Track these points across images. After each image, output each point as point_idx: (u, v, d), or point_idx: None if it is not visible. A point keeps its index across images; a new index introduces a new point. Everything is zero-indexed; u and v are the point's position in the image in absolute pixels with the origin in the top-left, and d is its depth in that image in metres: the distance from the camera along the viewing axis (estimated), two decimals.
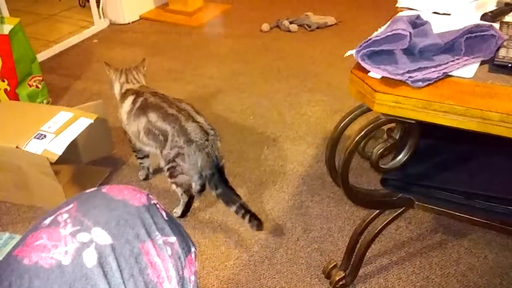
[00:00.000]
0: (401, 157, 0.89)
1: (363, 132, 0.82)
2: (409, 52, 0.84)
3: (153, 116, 1.23)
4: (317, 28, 2.48)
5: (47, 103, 1.77)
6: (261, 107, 1.82)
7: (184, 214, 1.32)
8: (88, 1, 2.55)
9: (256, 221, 1.17)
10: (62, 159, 1.23)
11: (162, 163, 1.26)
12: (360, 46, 0.86)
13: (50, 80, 1.93)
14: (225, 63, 2.18)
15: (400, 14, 1.03)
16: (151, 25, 2.62)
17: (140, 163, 1.45)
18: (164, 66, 2.15)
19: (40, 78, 1.71)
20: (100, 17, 2.54)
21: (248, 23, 2.61)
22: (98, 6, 2.52)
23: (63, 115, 1.34)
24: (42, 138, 1.24)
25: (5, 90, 1.62)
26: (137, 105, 1.27)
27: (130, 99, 1.30)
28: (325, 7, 2.78)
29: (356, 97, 0.85)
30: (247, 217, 1.17)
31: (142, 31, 2.55)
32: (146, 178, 1.47)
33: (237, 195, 1.20)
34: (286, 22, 2.49)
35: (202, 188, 1.23)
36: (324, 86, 1.96)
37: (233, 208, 1.19)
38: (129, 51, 2.31)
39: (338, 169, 0.89)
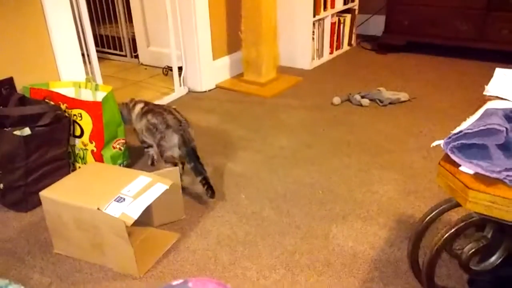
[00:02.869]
0: (494, 259, 0.82)
1: (453, 230, 0.77)
2: (504, 148, 0.79)
3: (149, 116, 1.75)
4: (390, 103, 2.47)
5: (127, 164, 1.88)
6: (330, 182, 1.79)
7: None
8: (171, 70, 2.76)
9: (210, 191, 1.62)
10: (135, 222, 1.27)
11: (155, 148, 1.79)
12: (450, 137, 0.83)
13: (131, 142, 2.06)
14: (295, 134, 2.21)
15: (490, 103, 0.99)
16: (226, 94, 2.75)
17: (146, 151, 1.91)
18: (235, 133, 2.22)
19: (123, 141, 1.83)
20: (180, 85, 2.73)
21: (319, 95, 2.66)
22: (179, 75, 2.71)
23: (142, 179, 1.41)
24: (122, 201, 1.30)
25: (92, 151, 1.75)
26: (143, 111, 1.81)
27: (139, 106, 1.84)
28: (398, 83, 2.78)
29: (445, 191, 0.80)
30: (205, 187, 1.62)
31: (217, 99, 2.68)
32: (152, 164, 1.92)
33: (204, 170, 1.65)
34: (357, 96, 2.50)
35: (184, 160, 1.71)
36: (396, 164, 1.90)
37: (199, 178, 1.63)
38: (204, 117, 2.43)
39: (422, 266, 0.83)
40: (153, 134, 1.73)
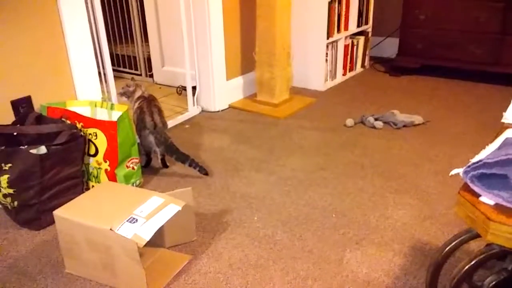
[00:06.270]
0: None
1: (473, 262, 0.75)
2: None
3: (138, 112, 2.00)
4: (404, 126, 2.45)
5: (139, 183, 1.88)
6: (343, 206, 1.77)
7: (145, 166, 2.06)
8: (185, 89, 2.79)
9: (202, 170, 1.96)
10: (147, 242, 1.26)
11: (137, 139, 1.97)
12: (469, 166, 0.81)
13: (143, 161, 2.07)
14: (308, 156, 2.19)
15: (509, 131, 0.97)
16: (239, 114, 2.77)
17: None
18: (248, 154, 2.22)
19: (137, 160, 1.84)
20: (194, 105, 2.75)
21: (332, 117, 2.65)
22: (193, 95, 2.74)
23: (155, 200, 1.41)
24: (134, 222, 1.30)
25: (106, 170, 1.76)
26: (137, 105, 2.04)
27: (136, 95, 2.08)
28: (412, 106, 2.76)
29: (465, 221, 0.79)
30: (197, 168, 1.95)
31: (230, 119, 2.69)
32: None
33: (188, 156, 1.95)
34: (371, 119, 2.49)
35: (162, 156, 2.04)
36: (411, 188, 1.87)
37: (187, 164, 1.95)
38: (216, 137, 2.44)
39: None
40: (136, 126, 2.01)
